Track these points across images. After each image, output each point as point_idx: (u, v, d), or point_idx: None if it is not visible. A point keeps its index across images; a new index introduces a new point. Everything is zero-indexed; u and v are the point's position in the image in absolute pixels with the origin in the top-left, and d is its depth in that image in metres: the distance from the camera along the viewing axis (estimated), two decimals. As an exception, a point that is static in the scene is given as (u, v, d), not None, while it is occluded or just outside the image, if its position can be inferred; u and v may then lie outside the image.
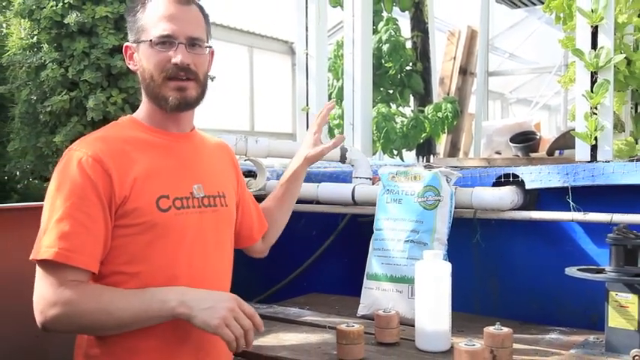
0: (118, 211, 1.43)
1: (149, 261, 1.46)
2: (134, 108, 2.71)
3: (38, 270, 1.40)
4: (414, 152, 4.42)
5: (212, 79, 2.46)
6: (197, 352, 1.52)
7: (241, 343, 1.39)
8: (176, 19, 1.52)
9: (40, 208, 1.47)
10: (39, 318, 1.40)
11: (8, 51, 2.39)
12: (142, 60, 1.54)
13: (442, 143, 5.31)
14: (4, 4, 2.53)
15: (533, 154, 3.67)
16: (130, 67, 1.59)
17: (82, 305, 1.38)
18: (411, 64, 4.38)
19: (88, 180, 1.41)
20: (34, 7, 2.35)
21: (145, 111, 1.60)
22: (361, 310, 2.15)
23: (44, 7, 2.32)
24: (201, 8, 1.60)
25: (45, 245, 1.38)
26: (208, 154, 1.70)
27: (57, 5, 2.55)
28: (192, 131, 1.67)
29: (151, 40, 1.50)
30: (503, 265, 2.27)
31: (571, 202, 2.05)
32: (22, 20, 2.38)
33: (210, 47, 1.60)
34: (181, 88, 1.52)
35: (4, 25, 2.50)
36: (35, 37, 2.39)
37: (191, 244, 1.52)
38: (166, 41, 1.50)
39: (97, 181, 1.41)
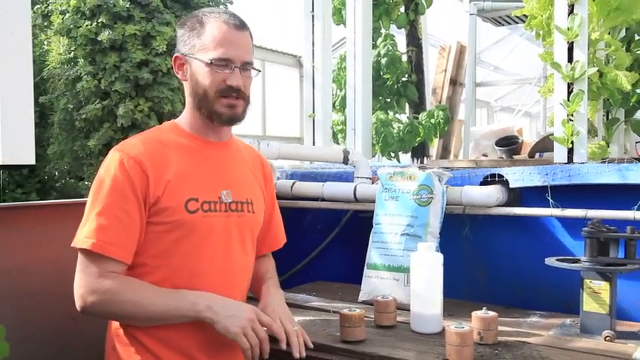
0: (151, 209, 1.45)
1: (174, 256, 1.47)
2: (159, 115, 2.74)
3: (80, 258, 1.43)
4: (409, 155, 4.41)
5: (257, 72, 2.46)
6: (216, 354, 1.52)
7: (256, 353, 1.39)
8: (234, 45, 1.52)
9: (77, 204, 1.49)
10: (78, 302, 1.42)
11: (49, 65, 2.40)
12: (195, 75, 1.53)
13: (435, 146, 5.30)
14: (45, 24, 2.54)
15: (516, 157, 3.66)
16: (179, 76, 1.58)
17: (119, 296, 1.40)
18: (406, 75, 4.38)
19: (127, 179, 1.42)
20: (71, 26, 2.37)
21: (188, 118, 1.59)
22: (362, 297, 2.15)
23: (80, 26, 2.33)
24: (250, 33, 1.61)
25: (84, 236, 1.40)
26: (241, 163, 1.68)
27: (91, 24, 2.56)
28: (229, 140, 1.66)
29: (211, 62, 1.49)
30: (490, 256, 2.26)
31: (550, 200, 2.04)
32: (61, 38, 2.39)
33: (257, 70, 1.60)
34: (232, 105, 1.53)
35: (46, 43, 2.51)
36: (72, 53, 2.41)
37: (215, 244, 1.51)
38: (224, 64, 1.50)
39: (136, 180, 1.43)
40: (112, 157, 1.47)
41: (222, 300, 1.45)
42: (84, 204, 1.46)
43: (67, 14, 2.54)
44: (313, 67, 3.39)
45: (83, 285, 1.41)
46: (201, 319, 1.41)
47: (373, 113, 3.89)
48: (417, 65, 4.43)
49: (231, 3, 3.17)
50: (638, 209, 1.87)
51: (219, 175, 1.57)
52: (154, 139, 1.54)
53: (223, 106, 1.52)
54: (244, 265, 1.63)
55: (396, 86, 4.34)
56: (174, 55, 1.57)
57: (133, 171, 1.43)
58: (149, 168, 1.44)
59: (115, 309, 1.42)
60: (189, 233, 1.47)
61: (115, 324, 1.50)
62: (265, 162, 1.80)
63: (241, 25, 1.55)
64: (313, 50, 3.39)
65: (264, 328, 1.45)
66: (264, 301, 1.63)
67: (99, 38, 2.57)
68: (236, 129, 1.67)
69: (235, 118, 1.56)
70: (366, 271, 2.17)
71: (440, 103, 5.57)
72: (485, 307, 1.68)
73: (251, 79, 1.59)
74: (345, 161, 2.62)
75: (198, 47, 1.52)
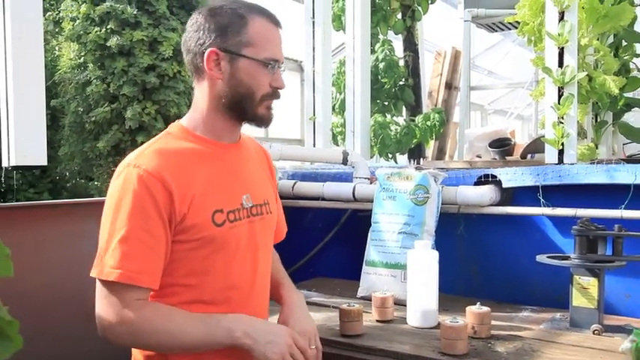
0: (177, 227, 1.28)
1: (207, 273, 1.33)
2: (165, 118, 2.74)
3: (101, 288, 1.26)
4: (406, 156, 4.41)
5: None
6: None
7: None
8: (278, 44, 1.39)
9: (87, 204, 1.47)
10: (102, 334, 1.27)
11: (60, 70, 2.41)
12: (239, 74, 1.34)
13: (430, 148, 5.29)
14: (56, 30, 2.55)
15: (508, 158, 3.66)
16: (212, 72, 1.35)
17: (149, 326, 1.25)
18: (403, 79, 4.38)
19: (149, 197, 1.25)
20: (81, 32, 2.37)
21: (204, 121, 1.39)
22: (360, 292, 2.16)
23: (90, 33, 2.34)
24: None
25: (109, 265, 1.23)
26: (252, 162, 1.52)
27: (101, 31, 2.57)
28: (240, 140, 1.49)
29: (266, 62, 1.34)
30: (483, 253, 2.27)
31: (541, 199, 2.05)
32: (72, 44, 2.40)
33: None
34: (270, 107, 1.41)
35: (57, 48, 2.51)
36: (82, 58, 2.41)
37: (243, 253, 1.39)
38: (273, 65, 1.36)
39: (158, 198, 1.25)
40: (129, 174, 1.27)
41: (258, 324, 1.33)
42: (93, 203, 1.44)
43: (78, 21, 2.54)
44: (314, 71, 3.39)
45: (105, 316, 1.24)
46: (238, 346, 1.27)
47: (371, 116, 3.89)
48: (413, 70, 4.43)
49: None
50: (625, 208, 1.88)
51: (238, 179, 1.42)
52: (170, 148, 1.34)
53: (264, 108, 1.39)
54: (268, 266, 1.52)
55: (393, 90, 4.35)
56: (209, 49, 1.33)
57: (154, 188, 1.25)
58: (172, 184, 1.27)
59: (144, 340, 1.27)
60: (220, 248, 1.33)
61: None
62: (268, 153, 1.66)
63: (279, 22, 1.41)
64: (314, 55, 3.40)
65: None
66: (290, 312, 1.50)
67: (108, 44, 2.58)
68: (241, 130, 1.58)
69: (272, 120, 1.43)
70: (364, 268, 2.17)
71: (435, 106, 5.57)
72: (478, 303, 1.69)
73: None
74: (345, 162, 2.62)
75: (244, 43, 1.33)
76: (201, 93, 1.39)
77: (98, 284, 1.26)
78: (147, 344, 1.30)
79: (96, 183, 2.84)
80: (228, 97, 1.36)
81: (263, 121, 1.41)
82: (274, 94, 1.39)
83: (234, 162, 1.43)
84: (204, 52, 1.34)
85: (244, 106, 1.37)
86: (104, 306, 1.25)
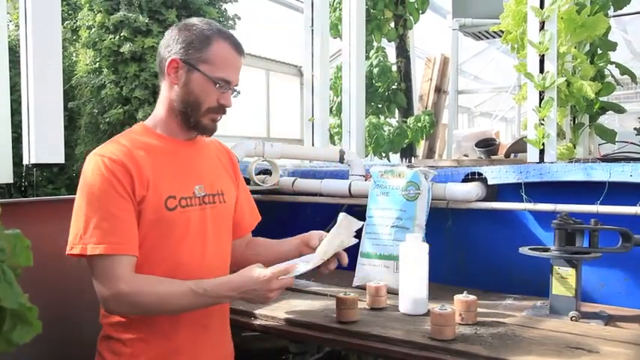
0: (137, 207, 1.37)
1: (159, 251, 1.40)
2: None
3: (94, 267, 1.33)
4: (398, 155, 4.42)
5: (237, 93, 2.47)
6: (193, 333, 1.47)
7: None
8: (235, 69, 1.46)
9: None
10: (105, 306, 1.37)
11: (76, 74, 2.40)
12: (191, 84, 1.42)
13: (421, 147, 5.30)
14: (74, 37, 2.54)
15: (493, 157, 3.66)
16: (166, 77, 1.45)
17: (142, 296, 1.33)
18: (396, 84, 4.38)
19: (115, 179, 1.34)
20: (96, 39, 2.37)
21: (161, 119, 1.48)
22: (356, 282, 2.16)
23: (105, 40, 2.33)
24: None
25: (93, 242, 1.31)
26: (209, 157, 1.59)
27: (115, 38, 2.56)
28: (196, 137, 1.55)
29: (216, 81, 1.42)
30: (470, 245, 2.27)
31: (523, 195, 2.05)
32: (88, 50, 2.39)
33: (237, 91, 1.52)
34: (215, 120, 1.48)
35: (74, 54, 2.51)
36: (97, 63, 2.41)
37: (193, 236, 1.45)
38: (224, 85, 1.43)
39: (123, 179, 1.34)
40: (95, 162, 1.36)
41: (238, 285, 1.38)
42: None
43: (93, 29, 2.54)
44: (312, 76, 3.39)
45: (106, 289, 1.32)
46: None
47: (366, 117, 3.89)
48: (405, 74, 4.44)
49: (239, 19, 3.17)
50: (600, 204, 1.88)
51: (191, 171, 1.49)
52: (129, 141, 1.43)
53: (208, 120, 1.46)
54: (221, 253, 1.56)
55: (386, 93, 4.35)
56: (171, 57, 1.43)
57: (117, 171, 1.34)
58: (131, 168, 1.36)
59: (140, 307, 1.35)
60: (170, 229, 1.40)
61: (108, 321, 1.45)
62: (231, 152, 1.72)
63: (242, 50, 1.48)
64: (312, 61, 3.39)
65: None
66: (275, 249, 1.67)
67: (121, 50, 2.57)
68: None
69: (214, 131, 1.50)
70: (359, 259, 2.17)
71: (426, 108, 5.57)
72: (465, 291, 1.69)
73: None
74: (341, 160, 2.62)
75: (202, 60, 1.41)
76: (162, 95, 1.49)
77: (92, 265, 1.34)
78: (142, 310, 1.37)
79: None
80: (178, 102, 1.44)
81: (205, 130, 1.49)
82: (219, 109, 1.46)
83: (188, 156, 1.50)
84: (168, 59, 1.43)
85: (189, 114, 1.45)
86: (101, 282, 1.33)
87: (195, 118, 1.45)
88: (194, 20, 1.48)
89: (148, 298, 1.34)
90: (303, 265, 1.46)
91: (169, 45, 1.45)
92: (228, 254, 1.61)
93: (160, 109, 1.49)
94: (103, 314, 1.46)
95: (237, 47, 1.47)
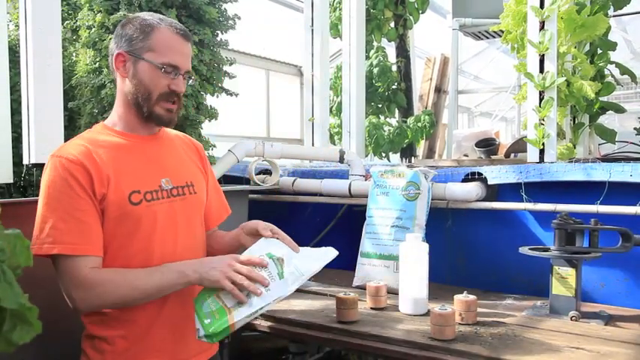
0: (100, 206, 1.36)
1: (130, 246, 1.39)
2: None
3: (56, 266, 1.33)
4: (398, 155, 4.41)
5: (236, 95, 2.46)
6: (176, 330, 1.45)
7: (247, 287, 1.31)
8: (181, 53, 1.44)
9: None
10: (72, 304, 1.34)
11: (77, 74, 2.40)
12: (140, 75, 1.42)
13: (421, 147, 5.29)
14: (74, 37, 2.54)
15: (493, 157, 3.67)
16: (118, 72, 1.45)
17: (109, 285, 1.32)
18: (396, 83, 4.37)
19: (73, 179, 1.33)
20: (96, 39, 2.37)
21: (119, 116, 1.48)
22: (356, 282, 2.16)
23: (104, 40, 2.33)
24: (192, 43, 1.53)
25: (48, 242, 1.30)
26: (175, 150, 1.57)
27: (114, 38, 2.56)
28: (159, 132, 1.54)
29: (161, 66, 1.41)
30: (470, 245, 2.27)
31: (523, 195, 2.05)
32: (88, 50, 2.39)
33: (193, 78, 1.51)
34: (170, 109, 1.45)
35: (74, 54, 2.51)
36: (97, 63, 2.40)
37: (163, 229, 1.43)
38: (171, 70, 1.42)
39: (81, 179, 1.33)
40: (52, 163, 1.36)
41: (203, 261, 1.39)
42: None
43: (93, 29, 2.53)
44: (312, 76, 3.39)
45: (71, 288, 1.32)
46: (190, 284, 1.35)
47: (366, 117, 3.89)
48: (405, 74, 4.43)
49: (239, 18, 3.16)
50: (600, 203, 1.88)
51: (156, 164, 1.47)
52: (88, 140, 1.42)
53: (163, 109, 1.44)
54: (194, 245, 1.53)
55: (386, 93, 4.34)
56: (117, 51, 1.43)
57: (75, 171, 1.33)
58: (90, 167, 1.35)
59: (111, 298, 1.34)
60: (137, 223, 1.38)
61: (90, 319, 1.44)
62: (198, 144, 1.69)
63: (187, 35, 1.47)
64: (312, 61, 3.39)
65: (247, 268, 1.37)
66: (236, 232, 1.59)
67: (121, 50, 2.57)
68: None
69: (171, 121, 1.48)
70: (359, 259, 2.18)
71: (426, 108, 5.57)
72: (465, 291, 1.69)
73: (188, 85, 1.51)
74: (341, 160, 2.63)
75: (146, 49, 1.41)
76: (117, 91, 1.48)
77: (55, 266, 1.33)
78: (113, 302, 1.35)
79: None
80: (131, 94, 1.44)
81: (159, 120, 1.46)
82: (170, 95, 1.44)
83: (152, 150, 1.49)
84: (114, 54, 1.44)
85: (142, 104, 1.43)
86: (65, 282, 1.32)
87: (149, 108, 1.43)
88: (138, 13, 1.50)
89: (112, 286, 1.32)
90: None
91: (116, 41, 1.46)
92: (203, 246, 1.58)
93: (117, 106, 1.49)
94: (84, 313, 1.44)
95: (181, 32, 1.46)
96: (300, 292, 2.09)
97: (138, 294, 1.35)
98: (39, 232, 1.32)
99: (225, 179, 2.41)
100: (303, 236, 2.69)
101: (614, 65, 2.60)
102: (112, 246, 1.37)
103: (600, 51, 2.56)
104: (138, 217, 1.39)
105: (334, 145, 4.09)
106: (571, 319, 1.69)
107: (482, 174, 2.16)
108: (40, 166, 2.01)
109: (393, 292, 1.92)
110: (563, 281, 1.72)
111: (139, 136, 1.48)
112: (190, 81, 1.49)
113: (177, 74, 1.43)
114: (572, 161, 2.10)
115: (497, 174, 2.12)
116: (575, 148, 2.45)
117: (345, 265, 2.42)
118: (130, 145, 1.46)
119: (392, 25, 4.37)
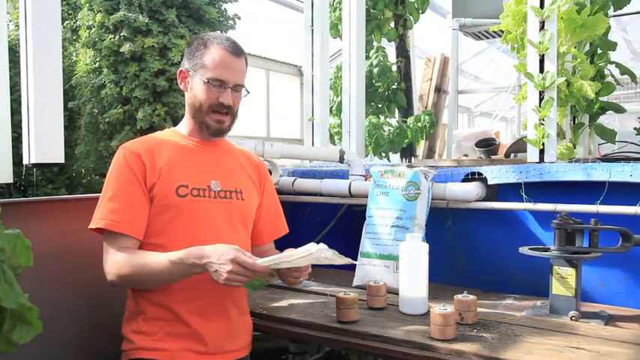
0: (150, 194, 1.53)
1: (167, 235, 1.53)
2: (174, 119, 2.74)
3: (103, 241, 1.52)
4: (398, 154, 4.41)
5: (247, 92, 2.46)
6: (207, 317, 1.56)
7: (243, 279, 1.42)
8: (229, 68, 1.59)
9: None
10: (108, 277, 1.51)
11: (77, 74, 2.40)
12: (194, 89, 1.61)
13: (421, 147, 5.29)
14: (74, 37, 2.55)
15: (493, 157, 3.66)
16: (181, 87, 1.66)
17: (132, 268, 1.46)
18: (396, 83, 4.37)
19: (129, 168, 1.53)
20: (96, 39, 2.37)
21: (186, 124, 1.68)
22: (356, 282, 2.16)
23: (104, 40, 2.33)
24: (246, 58, 1.67)
25: (98, 218, 1.50)
26: (232, 159, 1.73)
27: (114, 38, 2.56)
28: (220, 140, 1.72)
29: (208, 81, 1.57)
30: (470, 245, 2.27)
31: (523, 195, 2.05)
32: (88, 50, 2.40)
33: (247, 91, 1.66)
34: (220, 120, 1.62)
35: (74, 54, 2.51)
36: (97, 63, 2.41)
37: (204, 225, 1.56)
38: (218, 84, 1.58)
39: (136, 168, 1.53)
40: (118, 153, 1.58)
41: (206, 250, 1.44)
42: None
43: (93, 29, 2.54)
44: (312, 75, 3.39)
45: (106, 262, 1.50)
46: (196, 273, 1.45)
47: (366, 117, 3.89)
48: (405, 74, 4.43)
49: (239, 18, 3.16)
50: (600, 203, 1.88)
51: (209, 167, 1.64)
52: (153, 138, 1.64)
53: (213, 120, 1.61)
54: (234, 243, 1.58)
55: (386, 93, 4.34)
56: (180, 68, 1.65)
57: (133, 161, 1.53)
58: (146, 159, 1.54)
59: (131, 278, 1.48)
60: (179, 214, 1.53)
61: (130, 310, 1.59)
62: (261, 163, 1.84)
63: (238, 52, 1.62)
64: (312, 61, 3.39)
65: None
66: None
67: (121, 50, 2.57)
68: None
69: (221, 132, 1.64)
70: (359, 259, 2.17)
71: (426, 108, 5.57)
72: (465, 291, 1.69)
73: (241, 98, 1.65)
74: (341, 160, 2.62)
75: (199, 66, 1.59)
76: (185, 102, 1.68)
77: (103, 240, 1.52)
78: (134, 282, 1.51)
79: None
80: (189, 105, 1.65)
81: (209, 129, 1.63)
82: (219, 107, 1.60)
83: (207, 155, 1.66)
84: (179, 70, 1.67)
85: (197, 115, 1.63)
86: (104, 255, 1.51)
87: (201, 118, 1.61)
88: (202, 34, 1.71)
89: (129, 269, 1.46)
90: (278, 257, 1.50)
91: (182, 58, 1.68)
92: (246, 248, 1.62)
93: (185, 113, 1.68)
94: (128, 297, 1.60)
95: (233, 50, 1.61)
96: (300, 292, 2.09)
97: (153, 278, 1.48)
98: (96, 210, 1.52)
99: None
100: (303, 236, 2.69)
101: (614, 65, 2.59)
102: (152, 232, 1.53)
103: (600, 51, 2.56)
104: (180, 209, 1.54)
105: (334, 145, 4.09)
106: (571, 319, 1.69)
107: (482, 174, 2.16)
108: (40, 166, 2.02)
109: (393, 292, 1.92)
110: (563, 281, 1.72)
111: (199, 141, 1.66)
112: (244, 92, 1.65)
113: (224, 88, 1.59)
114: (572, 161, 2.10)
115: (497, 174, 2.12)
116: (575, 148, 2.44)
117: (345, 265, 2.42)
118: (189, 147, 1.64)
119: (392, 25, 4.37)
